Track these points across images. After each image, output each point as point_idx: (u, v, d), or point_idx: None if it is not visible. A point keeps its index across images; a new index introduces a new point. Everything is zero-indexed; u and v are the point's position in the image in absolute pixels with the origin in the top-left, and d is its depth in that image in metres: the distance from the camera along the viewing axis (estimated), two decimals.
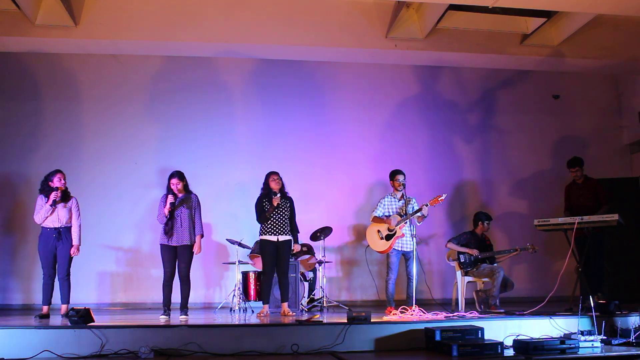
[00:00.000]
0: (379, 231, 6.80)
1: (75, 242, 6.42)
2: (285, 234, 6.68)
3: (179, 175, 6.48)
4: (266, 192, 6.73)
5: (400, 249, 6.75)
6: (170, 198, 6.37)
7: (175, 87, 9.06)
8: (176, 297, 6.48)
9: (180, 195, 6.47)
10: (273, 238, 6.63)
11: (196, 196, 6.60)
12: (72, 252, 6.40)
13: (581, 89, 9.98)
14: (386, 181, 7.14)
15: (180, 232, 6.39)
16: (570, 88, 9.95)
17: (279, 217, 6.66)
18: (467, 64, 9.05)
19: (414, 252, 6.64)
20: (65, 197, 6.45)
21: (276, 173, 6.75)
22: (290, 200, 6.82)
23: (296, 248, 6.85)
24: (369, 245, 6.94)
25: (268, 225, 6.64)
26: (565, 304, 6.45)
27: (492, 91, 9.85)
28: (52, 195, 6.29)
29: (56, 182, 6.38)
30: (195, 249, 6.47)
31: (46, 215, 6.33)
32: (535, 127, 9.84)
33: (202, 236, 6.54)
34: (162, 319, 6.16)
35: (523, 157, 9.75)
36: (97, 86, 8.96)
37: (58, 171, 6.47)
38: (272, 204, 6.61)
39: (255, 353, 4.92)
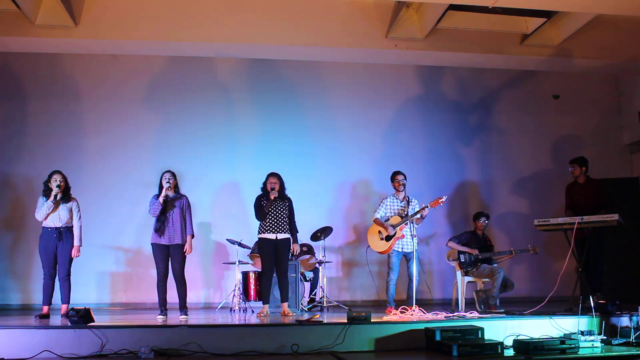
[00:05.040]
0: (379, 232, 6.81)
1: (76, 243, 6.44)
2: (284, 232, 6.69)
3: (172, 172, 6.58)
4: (264, 192, 6.75)
5: (400, 249, 6.76)
6: (165, 192, 6.41)
7: (175, 87, 9.06)
8: (175, 297, 6.47)
9: (171, 194, 6.52)
10: (272, 236, 6.63)
11: (187, 197, 6.66)
12: (72, 253, 6.41)
13: (581, 89, 9.98)
14: (386, 181, 7.13)
15: (172, 231, 6.42)
16: (570, 88, 9.94)
17: (277, 215, 6.67)
18: (467, 64, 9.04)
19: (415, 253, 6.64)
20: (67, 196, 6.47)
21: (274, 175, 6.76)
22: (289, 200, 6.83)
23: (295, 249, 6.85)
24: (369, 246, 6.95)
25: (266, 223, 6.65)
26: (565, 304, 6.45)
27: (492, 91, 9.85)
28: (54, 190, 6.32)
29: (53, 182, 6.40)
30: (186, 249, 6.49)
31: (47, 211, 6.34)
32: (535, 127, 9.84)
33: (192, 236, 6.57)
34: (159, 319, 6.16)
35: (523, 157, 9.75)
36: (97, 86, 8.96)
37: (56, 171, 6.51)
38: (270, 199, 6.63)
39: (255, 353, 4.92)
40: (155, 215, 6.44)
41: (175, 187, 6.59)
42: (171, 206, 6.48)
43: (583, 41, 8.38)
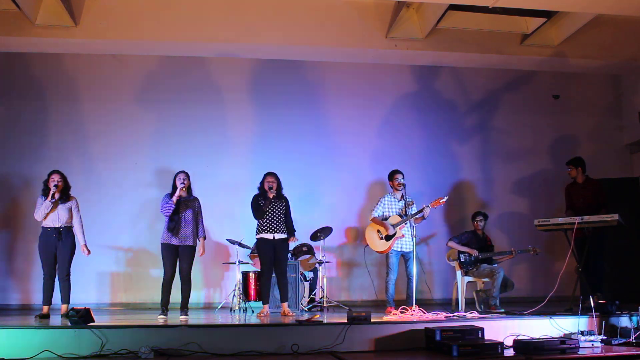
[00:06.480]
0: (378, 231, 6.80)
1: (81, 242, 6.47)
2: (281, 232, 6.70)
3: (186, 172, 6.59)
4: (261, 191, 6.77)
5: (399, 249, 6.76)
6: (180, 192, 6.41)
7: (175, 87, 9.04)
8: (176, 297, 6.48)
9: (184, 195, 6.53)
10: (269, 236, 6.65)
11: (199, 200, 6.67)
12: (82, 252, 6.45)
13: (581, 89, 9.97)
14: (386, 180, 7.13)
15: (184, 232, 6.42)
16: (570, 88, 9.93)
17: (274, 215, 6.68)
18: (467, 64, 9.05)
19: (414, 252, 6.64)
20: (65, 196, 6.47)
21: (271, 175, 6.77)
22: (286, 200, 6.84)
23: (293, 239, 6.88)
24: (367, 245, 6.95)
25: (264, 222, 6.66)
26: (565, 304, 6.45)
27: (492, 91, 9.83)
28: (52, 190, 6.32)
29: (51, 182, 6.40)
30: (199, 251, 6.52)
31: (46, 211, 6.34)
32: (535, 126, 9.82)
33: (204, 238, 6.61)
34: (160, 319, 6.15)
35: (523, 156, 9.73)
36: (97, 86, 8.93)
37: (54, 171, 6.51)
38: (268, 197, 6.63)
39: (255, 353, 4.92)
40: (167, 214, 6.44)
41: (189, 189, 6.59)
42: (184, 207, 6.48)
43: (583, 41, 8.39)
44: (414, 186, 7.85)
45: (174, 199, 6.40)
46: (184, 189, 6.47)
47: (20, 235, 8.39)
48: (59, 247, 6.36)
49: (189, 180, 6.57)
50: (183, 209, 6.46)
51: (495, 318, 5.82)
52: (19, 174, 8.54)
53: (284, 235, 6.74)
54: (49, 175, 6.48)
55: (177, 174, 6.57)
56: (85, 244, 6.50)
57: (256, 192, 6.83)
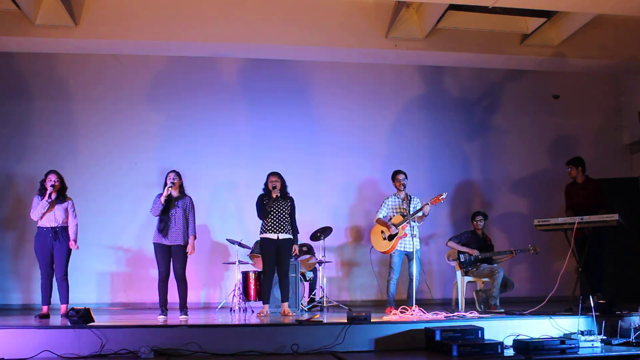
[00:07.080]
0: (382, 232, 6.82)
1: (72, 237, 6.41)
2: (286, 233, 6.68)
3: (177, 172, 6.57)
4: (266, 191, 6.75)
5: (403, 249, 6.77)
6: (167, 191, 6.39)
7: (175, 87, 9.05)
8: (174, 297, 6.47)
9: (175, 194, 6.51)
10: (273, 236, 6.63)
11: (191, 198, 6.64)
12: (71, 246, 6.39)
13: (581, 89, 9.98)
14: (387, 181, 7.14)
15: (174, 232, 6.40)
16: (570, 88, 9.94)
17: (279, 215, 6.66)
18: (467, 64, 9.04)
19: (416, 252, 6.63)
20: (62, 196, 6.46)
21: (275, 174, 6.76)
22: (291, 200, 6.83)
23: (295, 249, 6.82)
24: (373, 247, 6.95)
25: (268, 222, 6.65)
26: (565, 304, 6.46)
27: (492, 91, 9.85)
28: (49, 190, 6.31)
29: (48, 182, 6.39)
30: (188, 250, 6.48)
31: (42, 211, 6.33)
32: (535, 127, 9.84)
33: (194, 237, 6.55)
34: (160, 319, 6.16)
35: (523, 156, 9.74)
36: (97, 86, 8.95)
37: (51, 171, 6.50)
38: (272, 197, 6.62)
39: (255, 353, 4.92)
40: (156, 214, 6.43)
41: (180, 187, 6.57)
42: (174, 206, 6.46)
43: (583, 41, 8.39)
44: (416, 185, 7.83)
45: (162, 198, 6.38)
46: (172, 188, 6.44)
47: (22, 235, 8.39)
48: (56, 247, 6.35)
49: (180, 179, 6.55)
50: (173, 209, 6.44)
51: (495, 318, 5.82)
52: (20, 174, 8.54)
53: (289, 236, 6.72)
54: (46, 175, 6.46)
55: (168, 173, 6.55)
56: (75, 240, 6.43)
57: (260, 192, 6.82)
